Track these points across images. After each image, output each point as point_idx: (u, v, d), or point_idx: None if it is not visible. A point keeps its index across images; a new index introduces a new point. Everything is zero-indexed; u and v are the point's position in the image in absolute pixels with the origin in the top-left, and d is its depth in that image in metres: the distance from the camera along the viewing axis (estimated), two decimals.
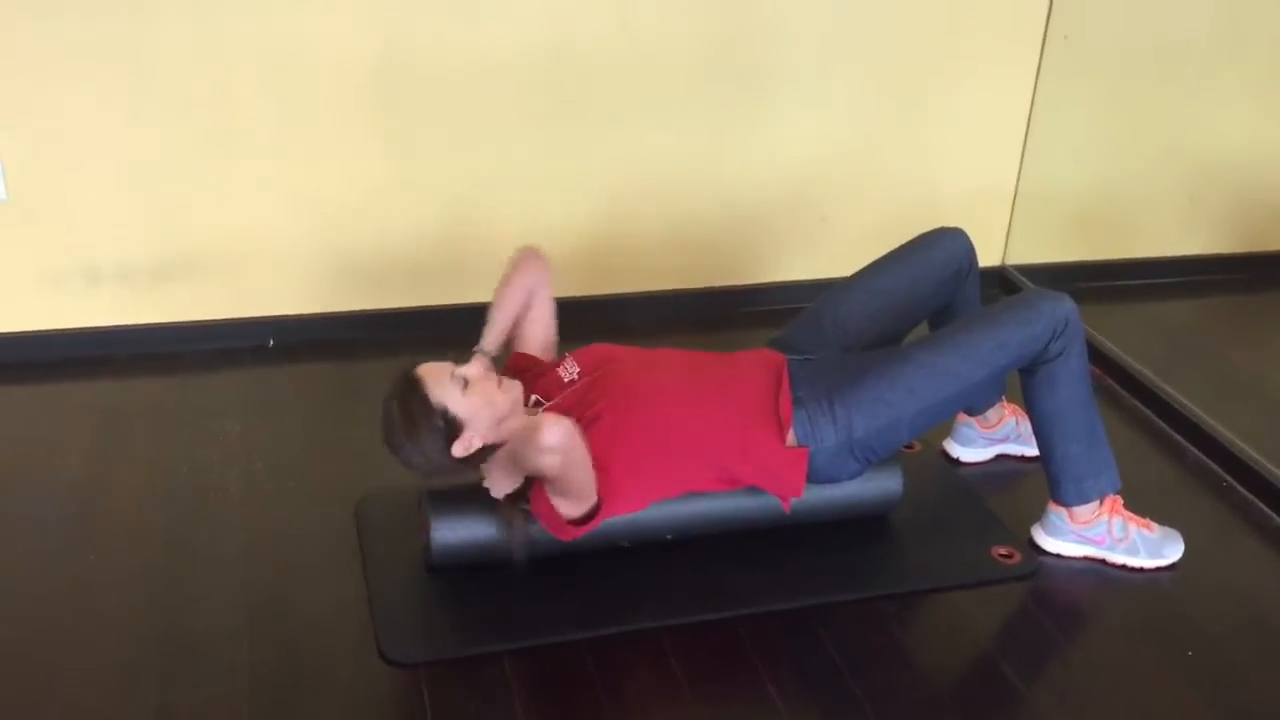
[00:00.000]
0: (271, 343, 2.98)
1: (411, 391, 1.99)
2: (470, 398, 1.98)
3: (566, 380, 2.14)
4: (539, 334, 2.29)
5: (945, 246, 2.33)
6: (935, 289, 2.32)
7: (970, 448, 2.58)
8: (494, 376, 2.04)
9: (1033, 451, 2.52)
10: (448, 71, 2.84)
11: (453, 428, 1.98)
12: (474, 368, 2.03)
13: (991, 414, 2.54)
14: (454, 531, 2.10)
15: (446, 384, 1.98)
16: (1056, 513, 2.23)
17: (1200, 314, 3.52)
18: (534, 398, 2.15)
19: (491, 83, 2.88)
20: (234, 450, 2.54)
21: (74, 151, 2.72)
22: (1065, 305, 2.10)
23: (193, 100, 2.73)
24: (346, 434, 2.60)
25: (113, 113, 2.70)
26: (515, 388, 2.06)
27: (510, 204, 3.02)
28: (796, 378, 2.16)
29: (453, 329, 3.03)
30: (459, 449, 1.99)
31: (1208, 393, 2.76)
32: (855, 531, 2.30)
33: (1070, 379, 2.12)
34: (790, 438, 2.10)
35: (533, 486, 2.02)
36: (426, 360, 2.05)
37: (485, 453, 2.02)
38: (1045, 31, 3.16)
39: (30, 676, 1.91)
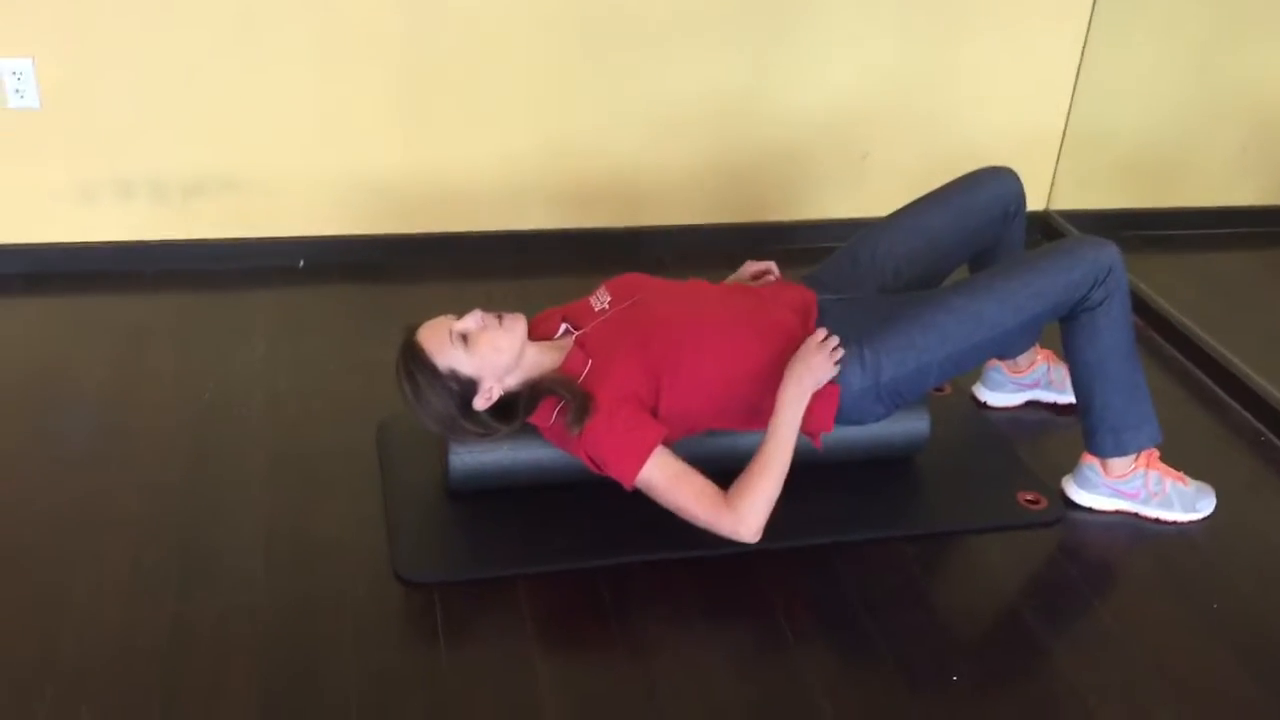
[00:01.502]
0: (302, 264, 2.97)
1: (415, 361, 1.96)
2: (475, 352, 1.95)
3: (597, 309, 2.11)
4: None
5: (993, 187, 2.26)
6: (980, 230, 2.26)
7: (999, 392, 2.53)
8: (494, 320, 1.99)
9: (1064, 399, 2.49)
10: (475, 4, 2.79)
11: (467, 386, 1.96)
12: (471, 320, 1.97)
13: (1023, 359, 2.49)
14: (473, 455, 2.09)
15: (447, 345, 1.95)
16: (1090, 464, 2.18)
17: (1249, 266, 3.42)
18: (564, 325, 2.12)
19: (526, 4, 2.82)
20: (259, 370, 2.54)
21: (108, 64, 2.70)
22: (1108, 252, 2.03)
23: (228, 17, 2.70)
24: (372, 356, 2.58)
25: (147, 27, 2.68)
26: (518, 320, 2.02)
27: (540, 131, 2.98)
28: (827, 317, 2.12)
29: (480, 255, 3.05)
30: (480, 403, 1.98)
31: (1251, 347, 2.69)
32: (880, 472, 2.27)
33: (1112, 328, 2.06)
34: None
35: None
36: (422, 321, 2.01)
37: (520, 402, 2.00)
38: None
39: (47, 585, 1.92)
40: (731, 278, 2.34)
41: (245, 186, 2.90)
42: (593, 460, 1.97)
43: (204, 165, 2.85)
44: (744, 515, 1.91)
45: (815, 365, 1.98)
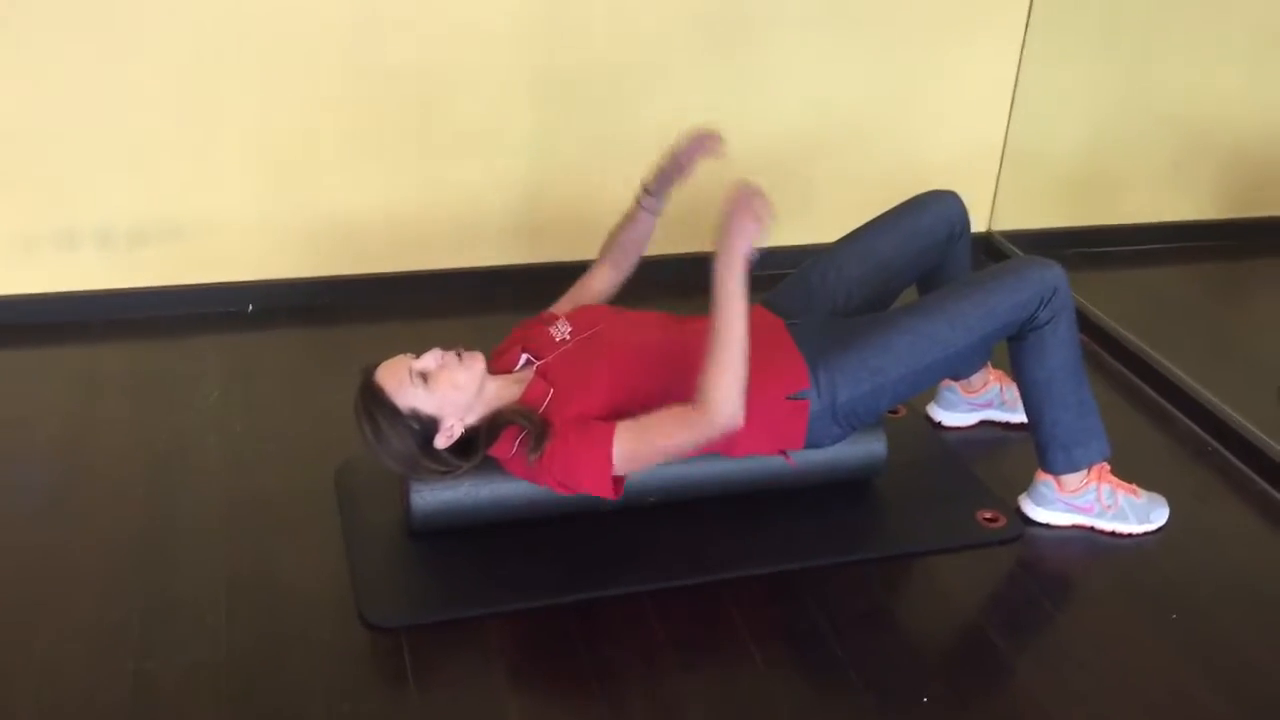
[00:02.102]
0: (251, 308, 2.95)
1: (374, 401, 1.95)
2: (435, 390, 1.95)
3: (557, 339, 2.12)
4: (604, 290, 2.32)
5: (937, 209, 2.31)
6: (926, 252, 2.30)
7: (953, 412, 2.57)
8: (452, 357, 1.99)
9: (1016, 418, 2.54)
10: (428, 37, 2.80)
11: (428, 425, 1.96)
12: (430, 358, 1.98)
13: (976, 379, 2.53)
14: (434, 494, 2.08)
15: (407, 384, 1.94)
16: (1045, 481, 2.22)
17: (1185, 280, 3.50)
18: (524, 357, 2.12)
19: (473, 49, 2.83)
20: (213, 416, 2.51)
21: (51, 114, 2.67)
22: (1054, 272, 2.08)
23: (170, 64, 2.68)
24: (326, 399, 2.57)
25: (89, 75, 2.65)
26: (476, 357, 2.02)
27: (491, 167, 2.99)
28: None
29: (431, 294, 3.05)
30: (441, 441, 1.98)
31: (1193, 359, 2.76)
32: (839, 496, 2.29)
33: (1059, 346, 2.11)
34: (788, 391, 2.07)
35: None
36: (380, 361, 2.00)
37: (480, 437, 2.00)
38: None
39: (6, 642, 1.88)
40: (667, 151, 2.24)
41: (191, 232, 2.87)
42: (562, 483, 1.97)
43: (149, 212, 2.82)
44: (719, 407, 1.86)
45: (744, 227, 1.87)
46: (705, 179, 3.15)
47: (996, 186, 3.37)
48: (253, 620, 1.94)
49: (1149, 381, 2.76)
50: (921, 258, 2.30)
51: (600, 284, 2.31)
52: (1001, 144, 3.33)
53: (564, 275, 2.42)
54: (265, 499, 2.25)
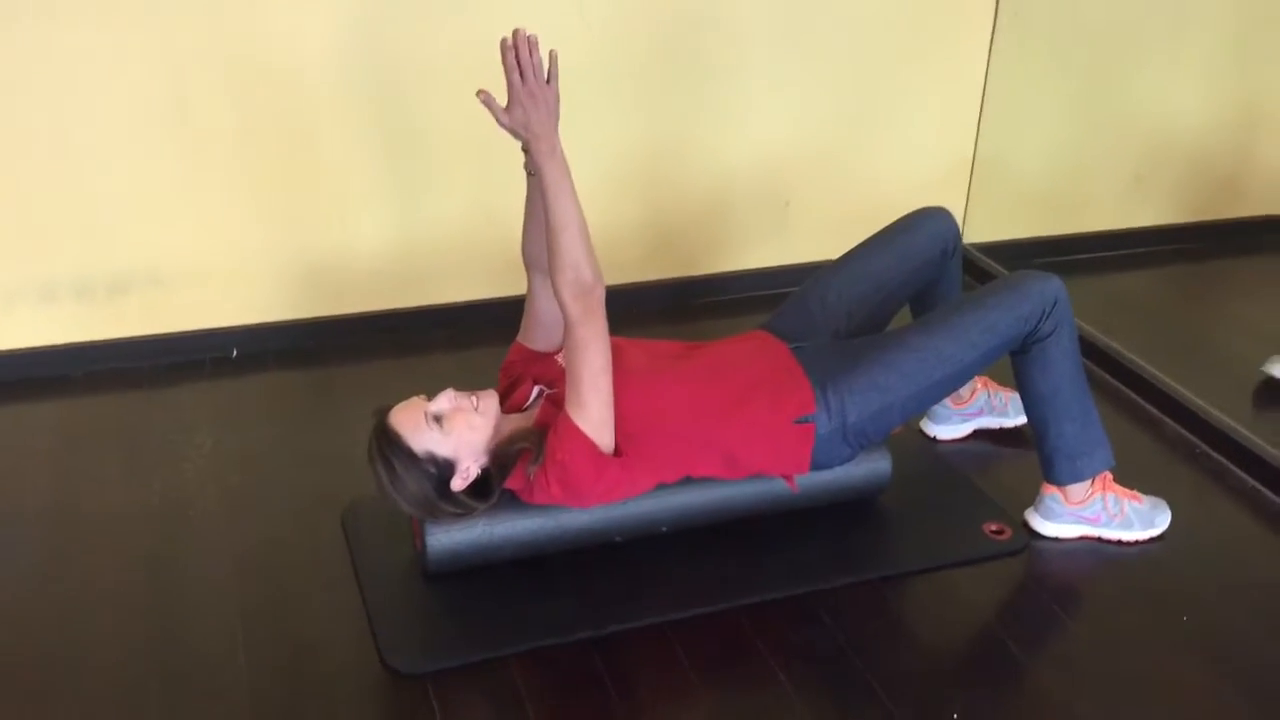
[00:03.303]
0: (235, 353, 2.91)
1: (390, 445, 1.93)
2: (450, 433, 1.94)
3: (564, 365, 2.11)
4: (551, 306, 2.15)
5: (931, 227, 2.35)
6: (920, 270, 2.33)
7: (946, 425, 2.60)
8: (466, 399, 1.98)
9: (1009, 423, 2.58)
10: (406, 73, 2.79)
11: (444, 467, 1.95)
12: (444, 400, 1.96)
13: (964, 390, 2.56)
14: (450, 535, 2.06)
15: (423, 427, 1.93)
16: (1051, 494, 2.25)
17: (1152, 285, 3.58)
18: (537, 388, 2.12)
19: (449, 83, 2.82)
20: (208, 465, 2.47)
21: (25, 164, 2.62)
22: (1053, 284, 2.12)
23: (148, 109, 2.65)
24: (322, 442, 2.55)
25: (65, 123, 2.61)
26: (491, 397, 2.02)
27: (468, 201, 2.98)
28: None
29: (415, 331, 3.03)
30: (458, 483, 1.96)
31: (1170, 361, 2.81)
32: (846, 516, 2.31)
33: (1062, 358, 2.14)
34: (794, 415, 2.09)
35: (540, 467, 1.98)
36: (394, 405, 1.99)
37: (494, 476, 1.99)
38: (996, 10, 3.19)
39: (22, 714, 1.84)
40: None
41: (170, 280, 2.83)
42: (563, 485, 1.97)
43: (127, 261, 2.78)
44: (575, 277, 1.87)
45: (540, 110, 1.86)
46: (671, 207, 3.19)
47: (967, 201, 3.42)
48: (274, 675, 1.91)
49: (1135, 388, 2.81)
50: (916, 275, 2.33)
51: (544, 301, 2.17)
52: (971, 159, 3.39)
53: None
54: (272, 549, 2.22)
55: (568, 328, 1.91)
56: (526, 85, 1.85)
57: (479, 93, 1.87)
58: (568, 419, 1.94)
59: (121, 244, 2.76)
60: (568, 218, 1.88)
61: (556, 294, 1.90)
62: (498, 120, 1.88)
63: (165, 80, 2.63)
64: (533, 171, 1.99)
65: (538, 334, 2.19)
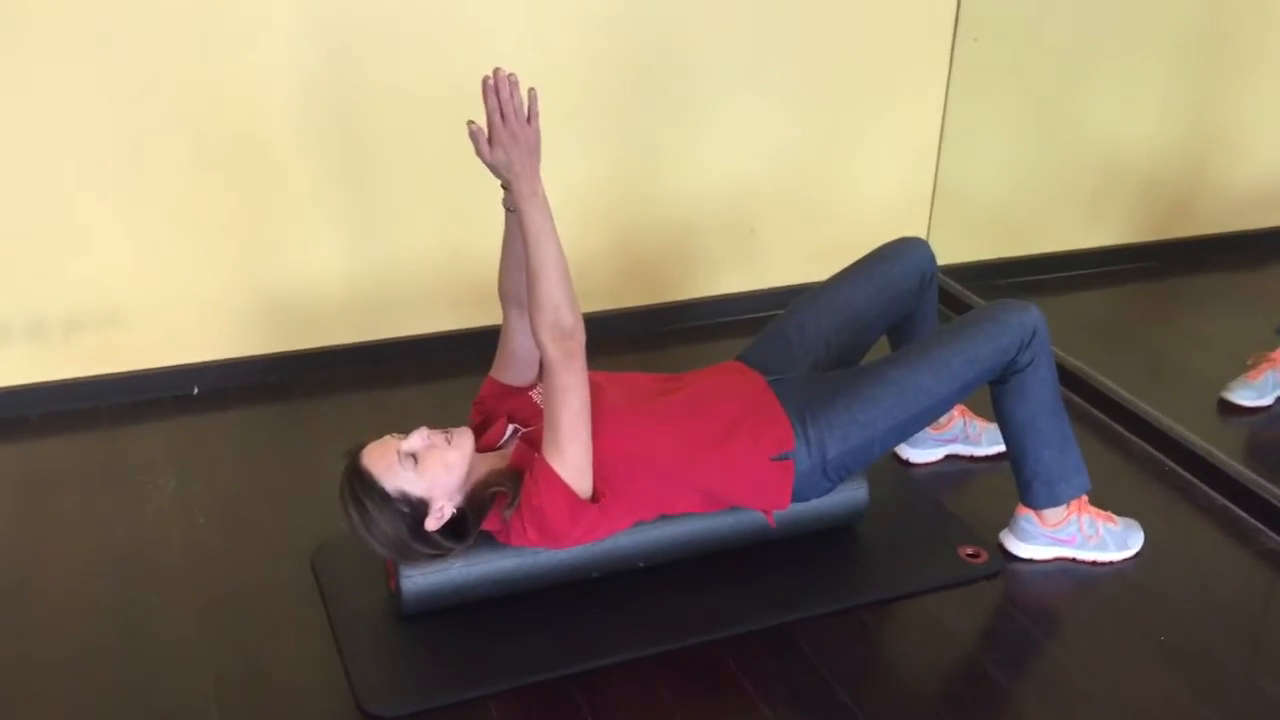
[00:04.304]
0: (196, 390, 2.86)
1: (362, 485, 1.90)
2: (424, 472, 1.91)
3: (539, 402, 2.08)
4: (526, 340, 2.08)
5: (909, 256, 2.34)
6: (900, 299, 2.33)
7: (921, 448, 2.60)
8: (440, 437, 1.95)
9: (980, 452, 2.59)
10: (366, 105, 2.76)
11: (418, 508, 1.91)
12: (418, 439, 1.93)
13: (942, 417, 2.57)
14: (424, 577, 2.03)
15: (396, 466, 1.89)
16: (1026, 516, 2.25)
17: (1111, 303, 3.63)
18: (510, 427, 2.09)
19: (412, 115, 2.80)
20: (172, 506, 2.42)
21: None
22: (1032, 315, 2.12)
23: (100, 142, 2.60)
24: (289, 480, 2.51)
25: (15, 157, 2.55)
26: (465, 435, 1.98)
27: (435, 233, 2.95)
28: None
29: (381, 364, 2.99)
30: (432, 523, 1.93)
31: (1134, 379, 2.84)
32: (822, 543, 2.30)
33: (1040, 387, 2.15)
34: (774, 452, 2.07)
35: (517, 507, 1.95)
36: (366, 444, 1.95)
37: (470, 518, 1.95)
38: (954, 36, 3.22)
39: None
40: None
41: (128, 316, 2.78)
42: (538, 527, 1.93)
43: (82, 299, 2.72)
44: (555, 320, 1.84)
45: (520, 150, 1.84)
46: (649, 237, 3.18)
47: (929, 225, 3.45)
48: None
49: (1101, 407, 2.83)
50: (894, 305, 2.33)
51: (520, 337, 2.13)
52: (932, 185, 3.41)
53: None
54: (242, 592, 2.17)
55: (547, 372, 1.88)
56: (508, 126, 1.82)
57: (469, 123, 1.85)
58: (545, 464, 1.91)
59: (76, 281, 2.71)
60: (549, 260, 1.85)
61: (535, 337, 1.87)
62: (480, 155, 1.86)
63: (120, 113, 2.59)
64: (511, 208, 1.96)
65: (512, 369, 2.16)
